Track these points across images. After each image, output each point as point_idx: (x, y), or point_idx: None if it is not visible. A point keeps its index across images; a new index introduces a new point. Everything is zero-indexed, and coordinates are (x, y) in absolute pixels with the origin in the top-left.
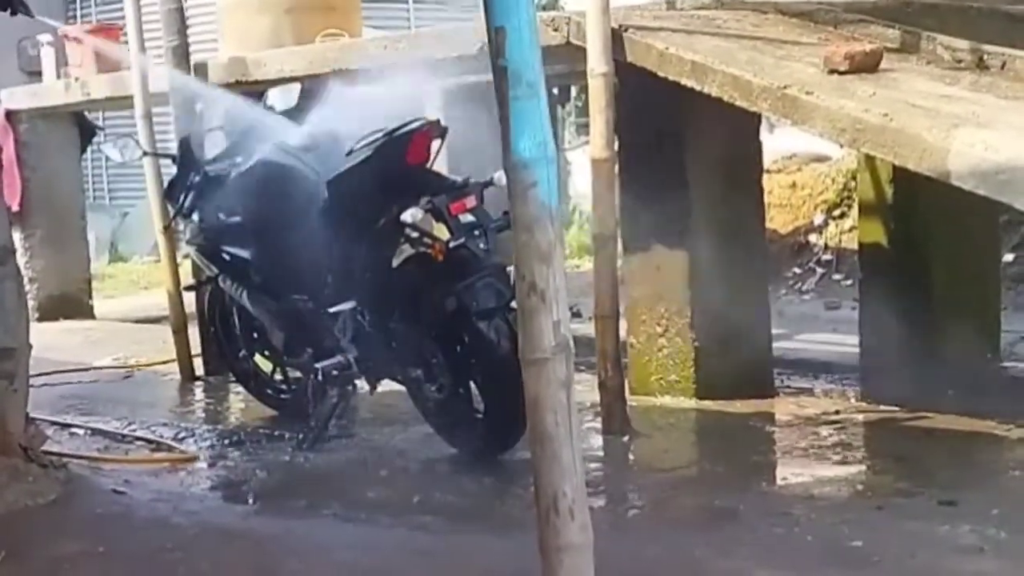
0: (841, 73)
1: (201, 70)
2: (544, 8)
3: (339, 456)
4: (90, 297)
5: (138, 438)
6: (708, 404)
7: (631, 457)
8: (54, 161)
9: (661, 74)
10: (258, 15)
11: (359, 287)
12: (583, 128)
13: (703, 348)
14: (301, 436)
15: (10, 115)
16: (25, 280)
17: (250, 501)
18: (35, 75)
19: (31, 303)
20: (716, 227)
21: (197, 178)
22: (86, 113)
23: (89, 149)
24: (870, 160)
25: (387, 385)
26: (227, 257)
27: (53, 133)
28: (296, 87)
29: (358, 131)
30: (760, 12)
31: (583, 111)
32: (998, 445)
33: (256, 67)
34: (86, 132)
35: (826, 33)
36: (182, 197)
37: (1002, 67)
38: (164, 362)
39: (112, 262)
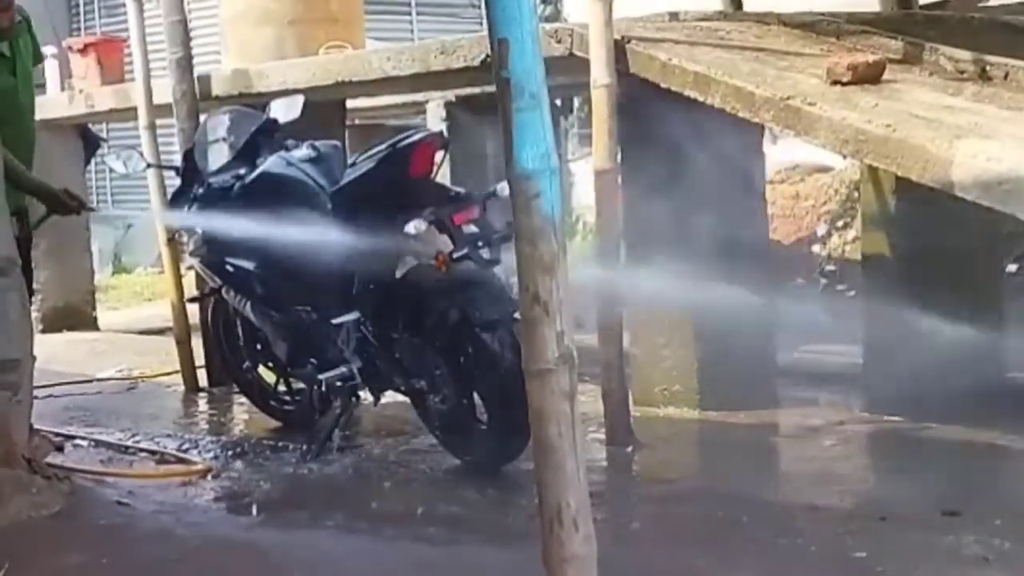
0: (844, 84)
1: (204, 82)
2: (547, 20)
3: (342, 467)
4: (94, 308)
5: (151, 451)
6: (711, 415)
7: (635, 468)
8: (58, 173)
9: (664, 85)
10: (261, 27)
11: (362, 298)
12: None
13: (706, 359)
14: (305, 447)
15: None
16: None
17: (253, 512)
18: (39, 87)
19: (35, 314)
20: (719, 238)
21: (201, 190)
22: (90, 125)
23: (93, 161)
24: (873, 171)
25: (390, 396)
26: (231, 268)
27: (57, 145)
28: (299, 99)
29: None
30: (763, 23)
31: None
32: (1002, 456)
33: (259, 79)
34: (90, 144)
35: (829, 44)
36: (186, 208)
37: (1005, 77)
38: (168, 373)
39: (116, 273)
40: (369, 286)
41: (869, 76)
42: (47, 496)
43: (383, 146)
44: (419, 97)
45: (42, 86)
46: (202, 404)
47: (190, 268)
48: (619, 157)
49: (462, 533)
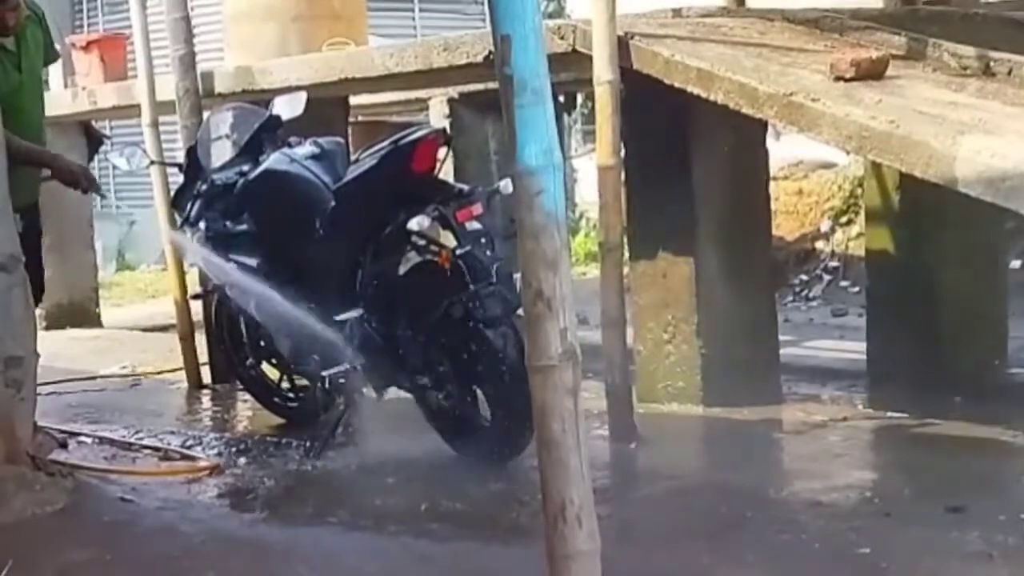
0: (847, 80)
1: (207, 79)
2: (550, 16)
3: (346, 464)
4: (97, 305)
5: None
6: (715, 411)
7: (638, 464)
8: None
9: (667, 81)
10: (264, 24)
11: (366, 295)
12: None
13: (710, 355)
14: (308, 444)
15: None
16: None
17: (257, 509)
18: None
19: (38, 312)
20: (722, 234)
21: (204, 186)
22: (93, 122)
23: (96, 158)
24: (877, 167)
25: (394, 393)
26: (234, 265)
27: (60, 142)
28: (303, 95)
29: None
30: (766, 19)
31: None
32: (1006, 452)
33: (262, 76)
34: (93, 141)
35: (832, 40)
36: (189, 206)
37: (1008, 73)
38: (171, 370)
39: (119, 271)
40: (372, 283)
41: (872, 72)
42: (51, 493)
43: (386, 143)
44: (422, 94)
45: (45, 82)
46: (205, 401)
47: (193, 265)
48: (622, 153)
49: (466, 529)
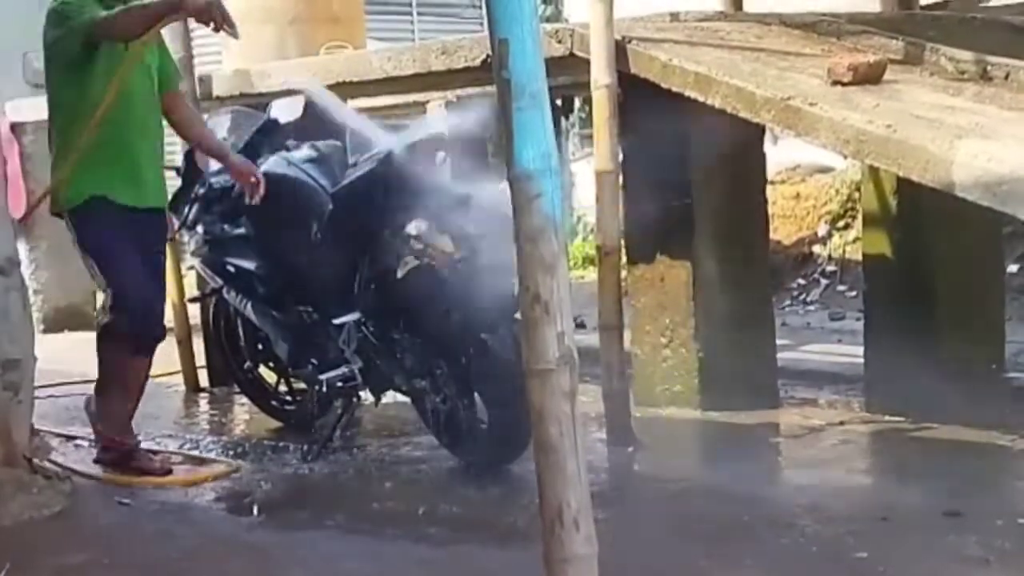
0: (845, 84)
1: (205, 83)
2: (548, 20)
3: (343, 467)
4: (95, 309)
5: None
6: (713, 415)
7: (636, 468)
8: None
9: (665, 85)
10: (262, 27)
11: (363, 298)
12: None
13: (707, 359)
14: (306, 447)
15: (15, 127)
16: (30, 292)
17: (254, 512)
18: (40, 88)
19: (36, 315)
20: (720, 238)
21: (201, 190)
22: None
23: None
24: (874, 171)
25: (391, 396)
26: (231, 269)
27: None
28: (301, 99)
29: None
30: (763, 24)
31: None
32: (1003, 456)
33: (260, 79)
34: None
35: (829, 44)
36: (186, 209)
37: (1006, 78)
38: (169, 374)
39: None
40: (370, 286)
41: (870, 76)
42: (48, 496)
43: (384, 146)
44: (420, 97)
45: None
46: (203, 404)
47: (191, 268)
48: (620, 157)
49: (463, 533)
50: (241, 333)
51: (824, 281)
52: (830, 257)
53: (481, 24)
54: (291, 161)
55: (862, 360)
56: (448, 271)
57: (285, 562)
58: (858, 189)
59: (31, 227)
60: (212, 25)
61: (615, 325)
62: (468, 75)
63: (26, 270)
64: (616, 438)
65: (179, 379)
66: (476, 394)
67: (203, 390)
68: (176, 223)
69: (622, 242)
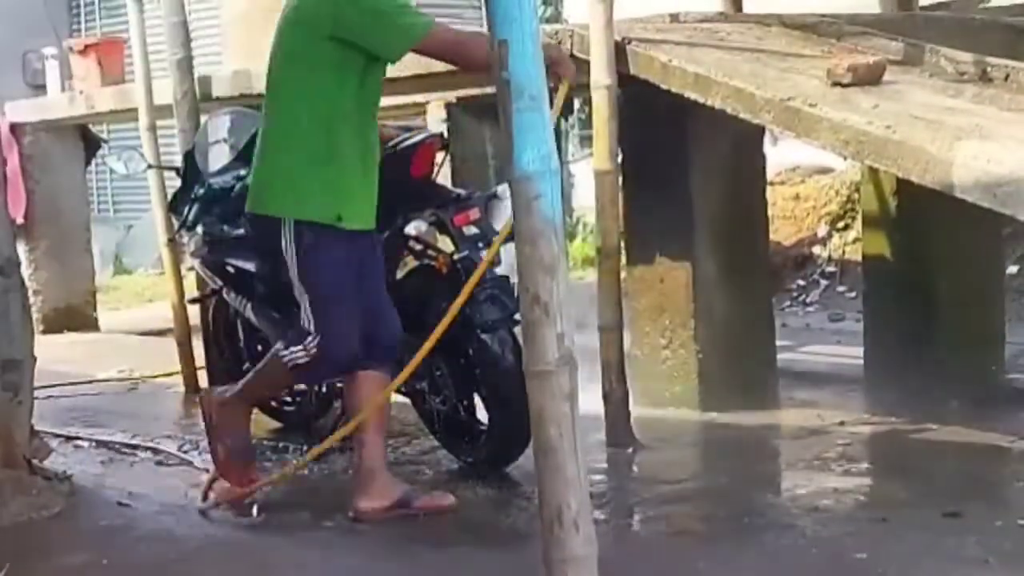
0: (844, 85)
1: (205, 83)
2: (547, 21)
3: (343, 468)
4: (95, 309)
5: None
6: (712, 416)
7: (635, 469)
8: (59, 174)
9: (664, 87)
10: (262, 28)
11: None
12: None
13: (707, 360)
14: (305, 448)
15: (15, 128)
16: (30, 292)
17: (254, 513)
18: (40, 88)
19: (36, 315)
20: (719, 239)
21: (201, 190)
22: (90, 126)
23: (94, 162)
24: (873, 172)
25: (391, 397)
26: (231, 269)
27: (57, 146)
28: None
29: None
30: (763, 25)
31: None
32: (1002, 457)
33: (260, 80)
34: (91, 145)
35: (829, 45)
36: (186, 209)
37: (1005, 79)
38: (169, 374)
39: (116, 274)
40: None
41: (869, 77)
42: (48, 497)
43: (384, 147)
44: (420, 98)
45: None
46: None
47: (190, 269)
48: (619, 158)
49: (462, 534)
50: (241, 334)
51: (824, 282)
52: (830, 258)
53: (481, 25)
54: None
55: (862, 361)
56: (447, 271)
57: (284, 563)
58: (858, 190)
59: (31, 228)
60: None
61: (615, 326)
62: (468, 76)
63: (25, 271)
64: (615, 439)
65: (179, 380)
66: (476, 395)
67: (203, 391)
68: (176, 224)
69: (621, 243)
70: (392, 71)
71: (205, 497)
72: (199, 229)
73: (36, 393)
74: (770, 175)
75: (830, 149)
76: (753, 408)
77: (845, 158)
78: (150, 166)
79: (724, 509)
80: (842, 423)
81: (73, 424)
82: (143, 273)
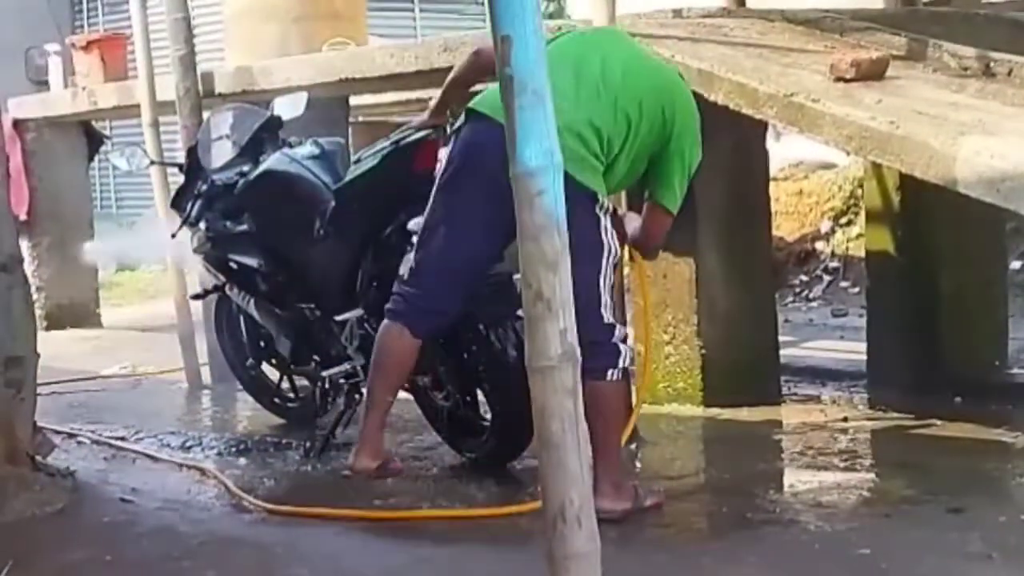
0: (847, 81)
1: (207, 79)
2: (550, 16)
3: (346, 464)
4: (97, 306)
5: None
6: (715, 411)
7: (638, 465)
8: (61, 170)
9: None
10: (265, 24)
11: (366, 295)
12: None
13: (710, 355)
14: (308, 444)
15: (17, 124)
16: (32, 289)
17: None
18: (43, 84)
19: (39, 312)
20: (723, 235)
21: (204, 187)
22: (93, 122)
23: (96, 158)
24: (877, 167)
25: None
26: (234, 265)
27: (60, 142)
28: (303, 96)
29: None
30: (766, 20)
31: None
32: (1006, 452)
33: (263, 76)
34: (93, 141)
35: (832, 41)
36: (189, 206)
37: (1008, 74)
38: (171, 371)
39: (119, 271)
40: (372, 283)
41: (873, 73)
42: (51, 493)
43: (386, 143)
44: (422, 94)
45: None
46: (205, 401)
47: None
48: None
49: (465, 530)
50: (243, 330)
51: (827, 277)
52: (833, 253)
53: (484, 20)
54: (294, 158)
55: (864, 357)
56: None
57: (287, 559)
58: (861, 185)
59: (34, 224)
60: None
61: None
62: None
63: (28, 267)
64: None
65: (182, 376)
66: (478, 391)
67: (205, 387)
68: (179, 220)
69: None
70: (395, 67)
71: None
72: (202, 225)
73: (39, 389)
74: (773, 171)
75: (833, 144)
76: (756, 404)
77: (848, 153)
78: (153, 162)
79: (727, 505)
80: (845, 419)
81: (76, 420)
82: (146, 269)
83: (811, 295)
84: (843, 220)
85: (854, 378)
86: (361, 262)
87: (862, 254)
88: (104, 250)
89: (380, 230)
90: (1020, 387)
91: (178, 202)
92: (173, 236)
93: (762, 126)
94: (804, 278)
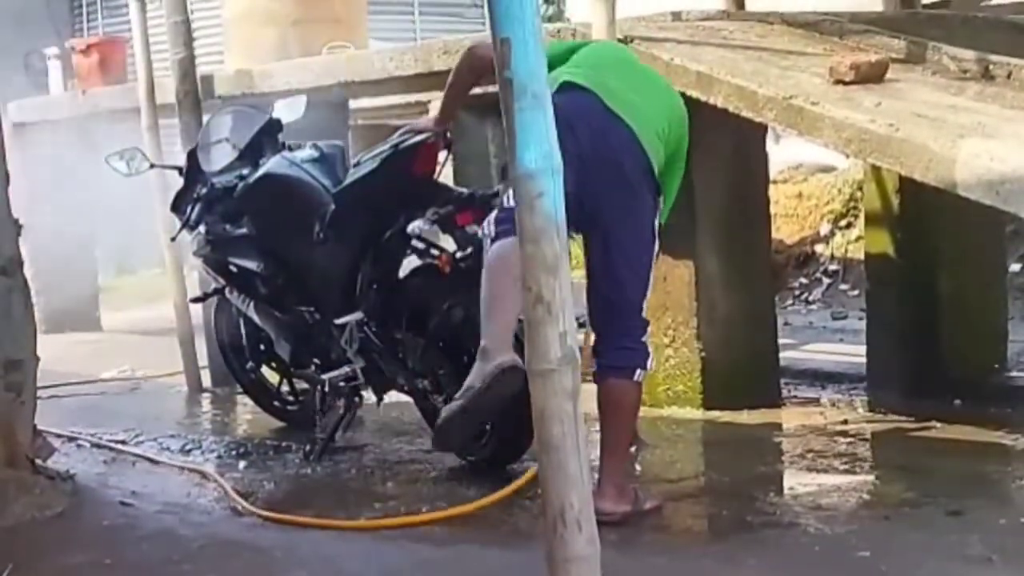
0: (847, 83)
1: (207, 82)
2: (549, 19)
3: (345, 467)
4: (97, 309)
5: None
6: (715, 414)
7: (638, 468)
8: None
9: None
10: (264, 27)
11: (366, 298)
12: None
13: (709, 358)
14: (308, 447)
15: (17, 127)
16: (32, 292)
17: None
18: (42, 88)
19: (38, 315)
20: (722, 237)
21: (204, 190)
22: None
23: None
24: (876, 170)
25: (394, 396)
26: (234, 269)
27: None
28: (303, 99)
29: None
30: (766, 23)
31: None
32: (1005, 455)
33: (262, 79)
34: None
35: (831, 44)
36: (189, 209)
37: (1008, 77)
38: (171, 374)
39: (119, 274)
40: (372, 286)
41: (872, 75)
42: (50, 496)
43: (386, 146)
44: (422, 97)
45: None
46: (205, 404)
47: (193, 268)
48: None
49: (465, 533)
50: (243, 333)
51: (826, 280)
52: (832, 256)
53: (483, 24)
54: (293, 161)
55: (864, 359)
56: (450, 270)
57: (287, 563)
58: (860, 188)
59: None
60: None
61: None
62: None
63: (28, 270)
64: None
65: (181, 379)
66: None
67: (205, 390)
68: (178, 223)
69: None
70: (394, 70)
71: None
72: (202, 228)
73: (39, 393)
74: (773, 173)
75: (833, 147)
76: (755, 406)
77: (848, 156)
78: (152, 165)
79: (727, 507)
80: (845, 421)
81: (76, 424)
82: (145, 273)
83: (811, 298)
84: (842, 223)
85: (854, 381)
86: (361, 265)
87: (862, 257)
88: None
89: (380, 233)
90: (1020, 390)
91: (178, 205)
92: (173, 239)
93: (761, 129)
94: (804, 281)
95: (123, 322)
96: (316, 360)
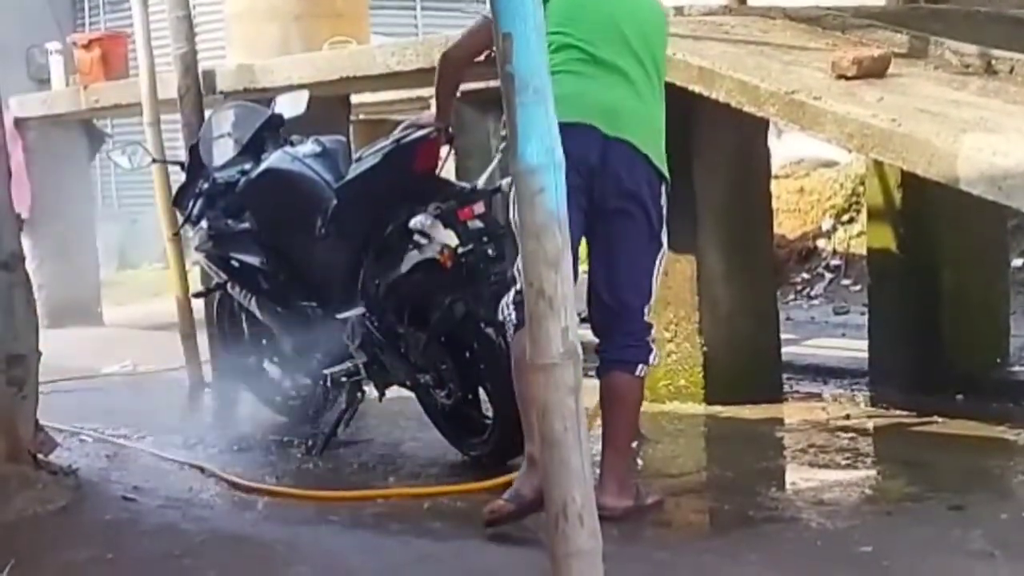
0: (849, 78)
1: (209, 78)
2: None
3: (348, 462)
4: (99, 304)
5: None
6: (717, 409)
7: (640, 463)
8: (63, 169)
9: (668, 80)
10: (266, 22)
11: (367, 293)
12: None
13: (712, 353)
14: (310, 442)
15: (19, 123)
16: (34, 287)
17: (259, 507)
18: (44, 83)
19: (40, 310)
20: (724, 232)
21: (206, 185)
22: (94, 121)
23: (98, 156)
24: (878, 165)
25: (396, 391)
26: (236, 264)
27: (62, 141)
28: (304, 94)
29: None
30: (768, 18)
31: None
32: (1008, 450)
33: (264, 74)
34: (95, 140)
35: (834, 38)
36: (191, 204)
37: (1010, 72)
38: (173, 369)
39: (121, 269)
40: (374, 281)
41: (874, 70)
42: (52, 491)
43: (388, 141)
44: (424, 92)
45: None
46: (207, 399)
47: (195, 263)
48: None
49: (467, 527)
50: (245, 328)
51: (828, 275)
52: (834, 251)
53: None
54: (295, 156)
55: (866, 354)
56: (451, 265)
57: (289, 557)
58: (862, 183)
59: (35, 223)
60: None
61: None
62: (472, 70)
63: (30, 265)
64: None
65: (184, 374)
66: (480, 389)
67: (207, 385)
68: (180, 218)
69: None
70: (396, 66)
71: None
72: (203, 223)
73: (41, 387)
74: (775, 168)
75: (835, 142)
76: (758, 401)
77: (850, 151)
78: (154, 160)
79: (729, 502)
80: (847, 416)
81: (78, 418)
82: (147, 267)
83: (813, 293)
84: (845, 218)
85: (856, 376)
86: (363, 260)
87: (864, 252)
88: None
89: (382, 228)
90: (1022, 384)
91: (180, 200)
92: (175, 234)
93: (763, 124)
94: (806, 276)
95: (125, 317)
96: (318, 355)
